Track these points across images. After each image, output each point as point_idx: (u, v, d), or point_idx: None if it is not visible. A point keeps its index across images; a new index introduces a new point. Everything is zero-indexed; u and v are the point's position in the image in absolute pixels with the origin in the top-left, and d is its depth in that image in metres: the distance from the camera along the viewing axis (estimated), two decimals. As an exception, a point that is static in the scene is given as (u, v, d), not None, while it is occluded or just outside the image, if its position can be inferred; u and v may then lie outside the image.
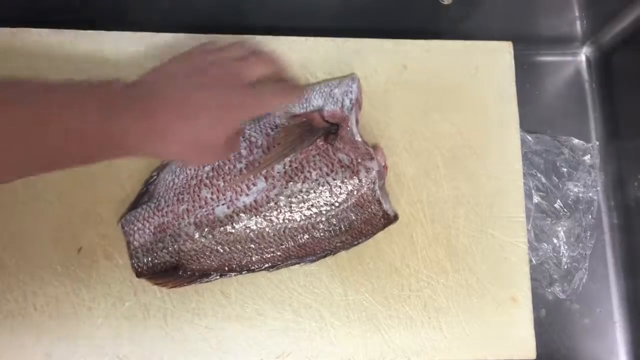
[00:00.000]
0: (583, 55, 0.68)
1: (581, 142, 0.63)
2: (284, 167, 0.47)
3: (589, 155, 0.63)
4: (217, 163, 0.47)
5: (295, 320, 0.50)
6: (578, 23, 0.65)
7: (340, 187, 0.47)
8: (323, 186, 0.47)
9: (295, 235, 0.48)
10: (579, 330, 0.60)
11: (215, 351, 0.49)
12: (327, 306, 0.51)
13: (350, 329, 0.51)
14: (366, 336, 0.51)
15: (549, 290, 0.60)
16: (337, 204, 0.47)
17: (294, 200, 0.46)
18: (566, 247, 0.60)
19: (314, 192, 0.47)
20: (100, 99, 0.37)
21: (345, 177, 0.47)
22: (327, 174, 0.47)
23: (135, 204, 0.49)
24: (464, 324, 0.52)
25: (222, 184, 0.47)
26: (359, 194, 0.47)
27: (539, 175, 0.62)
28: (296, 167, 0.47)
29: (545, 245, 0.60)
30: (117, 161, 0.51)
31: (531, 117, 0.62)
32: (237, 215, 0.47)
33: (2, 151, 0.33)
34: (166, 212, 0.47)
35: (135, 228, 0.48)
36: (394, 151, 0.54)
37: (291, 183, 0.46)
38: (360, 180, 0.47)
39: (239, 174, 0.47)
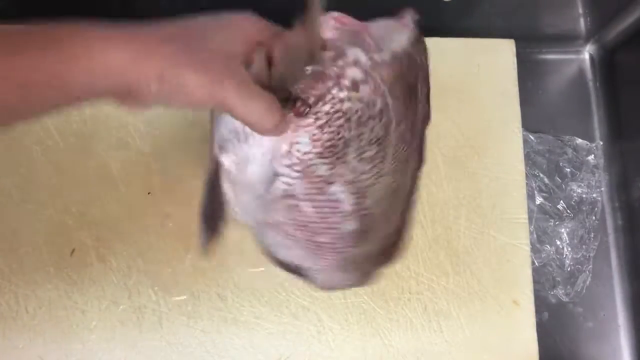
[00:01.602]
0: (587, 53, 0.67)
1: (585, 141, 0.62)
2: None
3: (593, 155, 0.62)
4: None
5: (293, 323, 0.50)
6: (581, 20, 0.64)
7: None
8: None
9: None
10: (583, 334, 0.59)
11: (211, 355, 0.49)
12: (326, 309, 0.50)
13: (349, 333, 0.50)
14: (365, 340, 0.50)
15: (552, 293, 0.59)
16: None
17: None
18: (569, 249, 0.60)
19: None
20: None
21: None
22: None
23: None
24: (465, 327, 0.51)
25: None
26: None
27: (541, 175, 0.61)
28: None
29: (548, 247, 0.59)
30: (111, 162, 0.51)
31: (534, 117, 0.62)
32: None
33: None
34: None
35: None
36: (394, 151, 0.53)
37: None
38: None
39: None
